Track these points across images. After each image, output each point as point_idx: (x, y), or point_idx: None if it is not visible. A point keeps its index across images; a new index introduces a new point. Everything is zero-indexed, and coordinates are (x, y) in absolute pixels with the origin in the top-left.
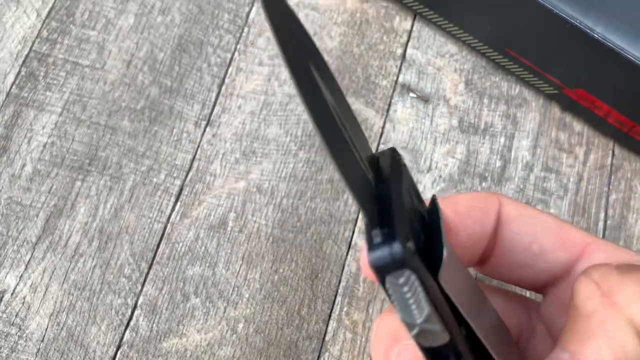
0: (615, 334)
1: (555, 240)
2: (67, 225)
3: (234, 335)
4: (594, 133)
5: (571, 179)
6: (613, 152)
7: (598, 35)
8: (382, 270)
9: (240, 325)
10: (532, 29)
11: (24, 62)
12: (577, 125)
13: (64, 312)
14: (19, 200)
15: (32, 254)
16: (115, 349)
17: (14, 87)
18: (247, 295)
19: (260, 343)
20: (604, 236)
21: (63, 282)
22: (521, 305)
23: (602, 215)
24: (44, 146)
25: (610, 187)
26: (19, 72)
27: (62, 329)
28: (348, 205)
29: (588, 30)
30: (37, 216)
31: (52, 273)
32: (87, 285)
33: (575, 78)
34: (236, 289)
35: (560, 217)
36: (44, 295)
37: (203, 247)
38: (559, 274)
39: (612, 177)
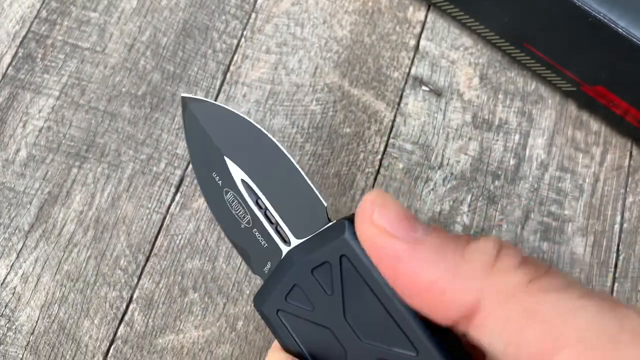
0: None
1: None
2: (61, 214)
3: (233, 333)
4: (612, 132)
5: (587, 180)
6: (631, 153)
7: (622, 29)
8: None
9: (240, 323)
10: (551, 22)
11: (21, 43)
12: (594, 124)
13: (56, 304)
14: (12, 186)
15: (24, 242)
16: (108, 344)
17: (10, 68)
18: (247, 292)
19: (260, 342)
20: (619, 240)
21: (56, 273)
22: None
23: (618, 218)
24: (40, 131)
25: (628, 189)
26: (16, 53)
27: (53, 321)
28: (355, 200)
29: (611, 24)
30: (31, 203)
31: (45, 263)
32: (81, 276)
33: (594, 75)
34: (236, 284)
35: (575, 219)
36: (35, 285)
37: (203, 240)
38: None
39: (630, 178)
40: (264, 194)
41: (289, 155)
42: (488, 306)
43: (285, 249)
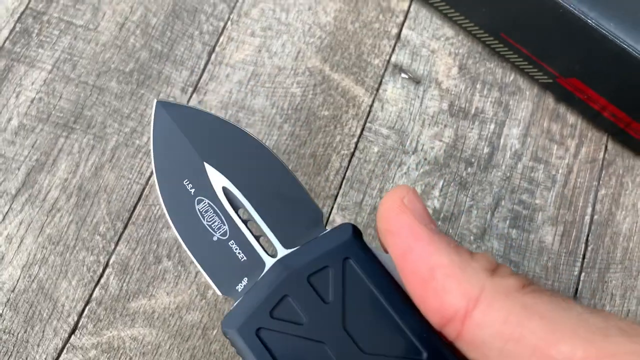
0: None
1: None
2: (47, 180)
3: (203, 301)
4: (588, 126)
5: (560, 171)
6: (606, 146)
7: (591, 20)
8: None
9: (210, 292)
10: (526, 12)
11: (19, 18)
12: (571, 117)
13: (37, 265)
14: (2, 152)
15: (10, 205)
16: (83, 305)
17: (7, 42)
18: None
19: (229, 311)
20: (589, 231)
21: (38, 236)
22: None
23: (589, 209)
24: (32, 101)
25: (601, 182)
26: (14, 27)
27: (33, 281)
28: (329, 180)
29: (581, 15)
30: (19, 169)
31: (29, 226)
32: (62, 240)
33: (568, 67)
34: None
35: (546, 208)
36: (18, 246)
37: None
38: None
39: (603, 172)
40: (249, 201)
41: (279, 159)
42: (490, 301)
43: (270, 261)
